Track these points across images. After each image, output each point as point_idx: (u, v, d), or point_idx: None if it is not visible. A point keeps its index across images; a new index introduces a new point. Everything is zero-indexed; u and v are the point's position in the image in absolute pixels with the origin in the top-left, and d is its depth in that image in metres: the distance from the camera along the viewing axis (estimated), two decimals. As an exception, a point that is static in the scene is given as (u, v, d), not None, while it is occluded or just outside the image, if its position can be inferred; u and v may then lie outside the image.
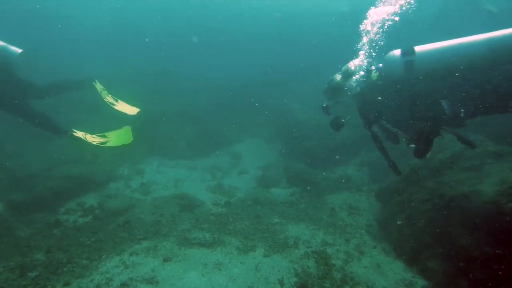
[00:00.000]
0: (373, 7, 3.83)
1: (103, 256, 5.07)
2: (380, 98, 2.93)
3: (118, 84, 13.84)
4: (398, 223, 5.40)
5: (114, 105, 6.24)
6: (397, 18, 3.75)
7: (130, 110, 6.28)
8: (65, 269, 4.65)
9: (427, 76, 2.89)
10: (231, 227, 6.18)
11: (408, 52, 2.95)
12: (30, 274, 4.44)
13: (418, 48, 2.96)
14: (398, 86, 2.95)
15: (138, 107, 6.42)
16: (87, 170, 8.24)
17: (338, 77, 3.25)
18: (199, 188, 8.51)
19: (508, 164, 4.82)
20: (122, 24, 19.00)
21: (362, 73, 3.22)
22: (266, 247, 5.44)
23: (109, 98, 6.28)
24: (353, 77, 3.21)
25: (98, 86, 6.28)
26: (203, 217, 6.66)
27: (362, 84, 3.18)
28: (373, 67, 3.19)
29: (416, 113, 2.87)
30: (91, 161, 8.78)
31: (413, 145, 2.97)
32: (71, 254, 5.09)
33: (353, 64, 3.22)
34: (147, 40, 16.80)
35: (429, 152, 2.99)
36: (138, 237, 5.75)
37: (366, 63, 3.24)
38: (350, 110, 3.25)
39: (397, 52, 3.02)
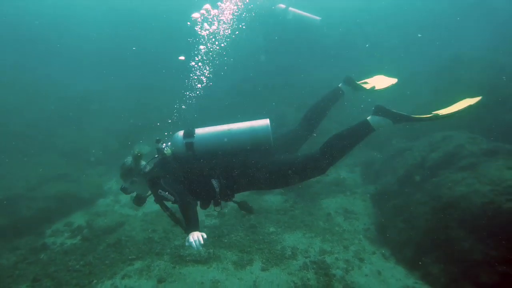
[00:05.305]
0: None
1: (94, 281, 4.85)
2: (163, 174, 3.14)
3: (103, 96, 13.62)
4: (396, 226, 5.29)
5: None
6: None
7: None
8: (53, 299, 4.42)
9: (204, 156, 3.28)
10: (226, 240, 5.99)
11: (188, 134, 3.31)
12: (15, 308, 4.20)
13: (199, 130, 3.33)
14: (181, 164, 3.26)
15: None
16: (73, 188, 7.93)
17: (129, 160, 3.40)
18: (191, 199, 8.28)
19: (503, 161, 4.76)
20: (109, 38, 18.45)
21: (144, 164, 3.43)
22: (263, 260, 5.29)
23: None
24: (143, 159, 3.44)
25: None
26: (197, 230, 6.44)
27: (155, 161, 3.41)
28: (164, 145, 3.41)
29: (193, 191, 3.15)
30: (76, 178, 8.46)
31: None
32: (60, 281, 4.85)
33: (144, 147, 3.43)
34: (134, 48, 16.29)
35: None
36: (130, 257, 5.52)
37: (158, 143, 3.44)
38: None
39: (181, 133, 3.35)
